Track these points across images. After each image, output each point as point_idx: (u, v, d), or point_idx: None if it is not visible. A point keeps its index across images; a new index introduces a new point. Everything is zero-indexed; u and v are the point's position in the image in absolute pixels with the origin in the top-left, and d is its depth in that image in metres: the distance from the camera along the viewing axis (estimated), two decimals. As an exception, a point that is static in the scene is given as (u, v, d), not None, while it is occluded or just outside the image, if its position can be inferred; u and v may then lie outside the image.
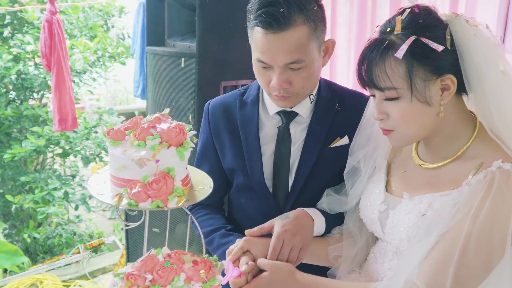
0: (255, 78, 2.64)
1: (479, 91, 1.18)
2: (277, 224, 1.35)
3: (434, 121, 1.20)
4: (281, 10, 1.30)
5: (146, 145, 1.17)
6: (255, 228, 1.36)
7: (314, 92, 1.52)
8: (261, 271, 1.24)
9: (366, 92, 1.27)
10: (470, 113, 1.26)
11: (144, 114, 6.26)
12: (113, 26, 4.40)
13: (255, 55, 1.39)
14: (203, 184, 1.27)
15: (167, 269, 1.07)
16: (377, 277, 1.33)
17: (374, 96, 1.23)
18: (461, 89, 1.19)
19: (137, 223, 1.28)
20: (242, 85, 2.57)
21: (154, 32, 2.72)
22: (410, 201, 1.24)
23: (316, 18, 1.36)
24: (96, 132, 3.94)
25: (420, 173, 1.30)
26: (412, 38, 1.13)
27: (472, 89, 1.18)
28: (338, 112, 1.52)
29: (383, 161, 1.41)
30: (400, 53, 1.12)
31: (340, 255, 1.45)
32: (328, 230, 1.47)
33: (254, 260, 1.27)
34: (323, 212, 1.45)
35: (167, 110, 1.31)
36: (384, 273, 1.32)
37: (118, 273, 1.09)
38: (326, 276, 1.47)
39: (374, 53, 1.16)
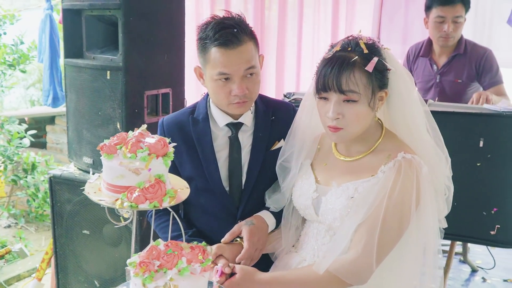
0: (172, 87, 2.90)
1: (397, 103, 1.61)
2: (246, 229, 1.71)
3: (369, 123, 1.59)
4: (235, 30, 1.66)
5: (137, 156, 1.42)
6: (227, 236, 1.72)
7: (253, 104, 1.86)
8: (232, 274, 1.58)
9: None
10: (378, 119, 1.68)
11: (35, 121, 6.06)
12: (5, 33, 4.36)
13: (215, 71, 1.69)
14: (181, 186, 1.55)
15: (170, 255, 1.35)
16: (313, 252, 1.68)
17: (325, 99, 1.56)
18: None
19: (127, 222, 1.52)
20: (162, 94, 2.83)
21: (72, 45, 2.86)
22: (338, 188, 1.61)
23: (254, 37, 1.74)
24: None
25: (340, 165, 1.67)
26: (376, 58, 1.52)
27: (392, 101, 1.62)
28: (273, 120, 1.87)
29: (308, 160, 1.77)
30: (371, 66, 1.50)
31: (280, 237, 1.81)
32: (277, 227, 1.84)
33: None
34: (273, 213, 1.82)
35: (144, 126, 1.55)
36: (319, 248, 1.67)
37: (131, 262, 1.35)
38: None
39: (344, 65, 1.50)
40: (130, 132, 1.52)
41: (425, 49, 3.40)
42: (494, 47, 3.62)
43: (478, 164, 2.51)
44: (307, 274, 1.57)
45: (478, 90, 3.26)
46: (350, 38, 1.59)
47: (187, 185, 1.56)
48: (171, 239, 1.71)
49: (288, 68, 4.03)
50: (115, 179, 1.41)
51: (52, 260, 3.03)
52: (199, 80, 1.83)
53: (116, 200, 1.39)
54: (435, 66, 3.38)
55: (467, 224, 2.57)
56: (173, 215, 1.56)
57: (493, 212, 2.52)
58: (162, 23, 2.76)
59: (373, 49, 1.56)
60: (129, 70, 2.60)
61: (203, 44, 1.70)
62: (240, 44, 1.67)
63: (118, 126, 2.65)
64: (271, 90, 4.00)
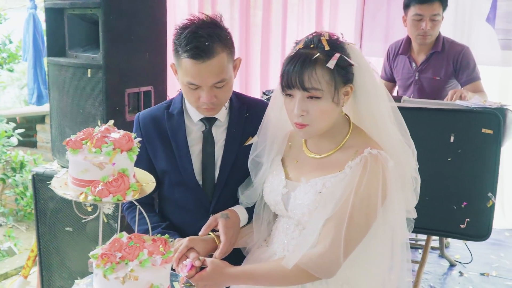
0: (154, 85, 2.94)
1: (363, 98, 1.63)
2: (222, 223, 1.74)
3: (336, 118, 1.61)
4: (206, 43, 1.65)
5: (101, 151, 1.45)
6: (203, 229, 1.74)
7: (228, 101, 1.89)
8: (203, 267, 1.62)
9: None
10: (345, 114, 1.70)
11: (26, 120, 6.08)
12: (-7, 33, 4.38)
13: (185, 79, 1.71)
14: (146, 181, 1.57)
15: (132, 248, 1.37)
16: (283, 246, 1.71)
17: (291, 96, 1.57)
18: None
19: (93, 216, 1.55)
20: (144, 92, 2.86)
21: (55, 44, 2.89)
22: (307, 184, 1.62)
23: (229, 45, 1.74)
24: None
25: (310, 162, 1.69)
26: (338, 54, 1.53)
27: (358, 96, 1.63)
28: (247, 117, 1.90)
29: (279, 156, 1.79)
30: (333, 63, 1.51)
31: (251, 232, 1.84)
32: (248, 222, 1.86)
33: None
34: (246, 208, 1.85)
35: (111, 122, 1.58)
36: (288, 242, 1.69)
37: (93, 254, 1.38)
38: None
39: (306, 63, 1.52)
40: (96, 127, 1.55)
41: (404, 47, 3.44)
42: (473, 45, 3.66)
43: (449, 159, 2.55)
44: (276, 268, 1.59)
45: (456, 87, 3.29)
46: (314, 34, 1.60)
47: (153, 180, 1.59)
48: (144, 232, 1.75)
49: (272, 66, 4.09)
50: (80, 173, 1.43)
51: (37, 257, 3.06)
52: (175, 76, 1.85)
53: (81, 194, 1.42)
54: (414, 63, 3.43)
55: (438, 218, 2.61)
56: (139, 209, 1.58)
57: (463, 206, 2.57)
58: (143, 22, 2.78)
59: (335, 45, 1.57)
60: (109, 68, 2.62)
61: (176, 49, 1.72)
62: (211, 57, 1.67)
63: (99, 124, 2.67)
64: (256, 87, 4.06)
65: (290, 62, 1.56)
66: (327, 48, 1.54)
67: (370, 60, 3.17)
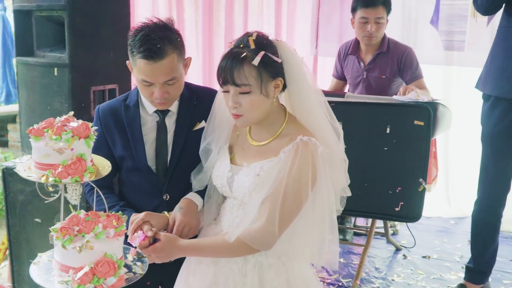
0: (118, 83, 3.10)
1: (294, 90, 1.82)
2: (178, 214, 1.94)
3: (268, 109, 1.79)
4: (158, 45, 1.85)
5: (61, 138, 1.62)
6: (171, 226, 1.92)
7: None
8: (155, 240, 1.80)
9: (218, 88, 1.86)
10: (281, 105, 1.89)
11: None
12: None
13: (139, 77, 1.92)
14: (103, 165, 1.75)
15: (88, 222, 1.55)
16: (229, 224, 1.90)
17: (228, 92, 1.76)
18: (282, 89, 1.82)
19: (55, 197, 1.72)
20: (109, 89, 3.01)
21: (23, 44, 3.03)
22: (248, 168, 1.82)
23: (180, 46, 1.95)
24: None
25: (253, 149, 1.89)
26: (262, 52, 1.71)
27: (290, 89, 1.82)
28: (196, 104, 2.10)
29: (226, 144, 1.99)
30: (257, 60, 1.69)
31: (202, 212, 2.03)
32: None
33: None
34: (199, 193, 2.04)
35: (71, 113, 1.76)
36: (233, 220, 1.89)
37: (53, 228, 1.55)
38: None
39: (235, 61, 1.70)
40: (57, 117, 1.72)
41: (353, 48, 3.68)
42: (419, 46, 3.92)
43: (386, 149, 2.78)
44: (220, 241, 1.80)
45: (401, 85, 3.53)
46: (245, 34, 1.80)
47: (109, 165, 1.77)
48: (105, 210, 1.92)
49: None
50: (42, 158, 1.60)
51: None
52: (131, 72, 2.03)
53: (43, 176, 1.59)
54: (362, 63, 3.66)
55: (375, 202, 2.85)
56: (99, 191, 1.75)
57: (397, 191, 2.81)
58: (107, 23, 2.94)
59: (262, 44, 1.75)
60: (75, 67, 2.77)
61: (131, 50, 1.91)
62: (162, 58, 1.86)
63: (65, 119, 2.82)
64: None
65: (223, 60, 1.76)
66: (252, 47, 1.73)
67: (325, 60, 3.41)
